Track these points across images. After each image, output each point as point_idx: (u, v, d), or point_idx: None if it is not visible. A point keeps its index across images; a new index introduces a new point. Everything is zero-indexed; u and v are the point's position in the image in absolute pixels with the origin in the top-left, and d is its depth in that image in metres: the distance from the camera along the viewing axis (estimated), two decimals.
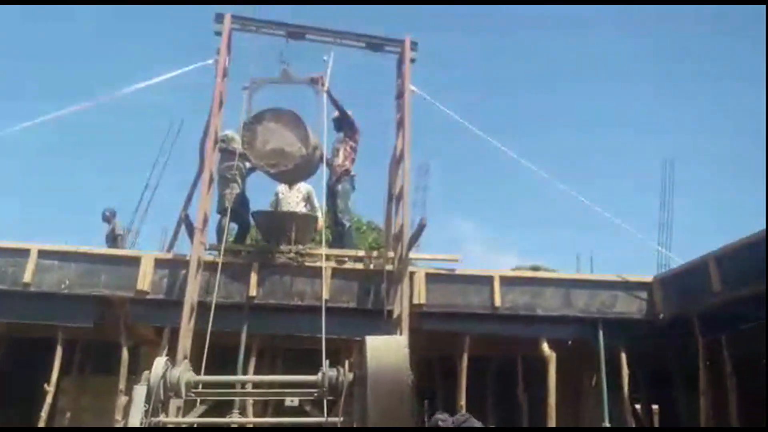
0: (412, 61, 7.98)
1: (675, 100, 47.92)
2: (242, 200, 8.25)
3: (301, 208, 8.63)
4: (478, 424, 1.71)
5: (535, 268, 22.43)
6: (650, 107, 48.40)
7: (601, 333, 7.64)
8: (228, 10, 7.74)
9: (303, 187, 8.77)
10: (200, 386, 4.38)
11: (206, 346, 6.08)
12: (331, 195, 8.27)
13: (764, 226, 6.24)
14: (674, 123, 45.70)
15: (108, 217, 11.16)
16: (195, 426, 5.40)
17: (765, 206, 7.38)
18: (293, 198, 8.66)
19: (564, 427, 7.33)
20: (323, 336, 5.86)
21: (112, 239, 10.90)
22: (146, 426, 3.49)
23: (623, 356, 7.70)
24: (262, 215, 8.34)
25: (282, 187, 8.73)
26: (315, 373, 3.89)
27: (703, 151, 45.36)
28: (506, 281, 7.67)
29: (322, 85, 7.87)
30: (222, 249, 7.04)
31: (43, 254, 7.07)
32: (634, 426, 8.27)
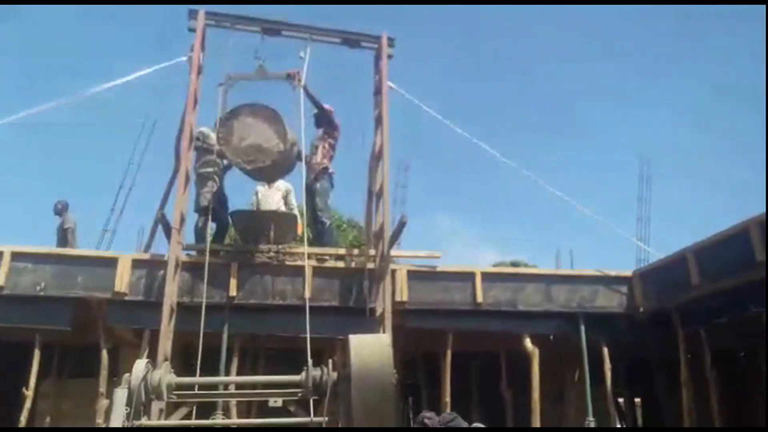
0: (390, 57, 7.94)
1: (653, 93, 48.56)
2: (220, 198, 8.15)
3: (281, 207, 8.57)
4: (464, 424, 1.70)
5: (515, 264, 22.60)
6: (628, 101, 49.00)
7: (582, 327, 7.69)
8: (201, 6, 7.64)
9: (282, 185, 8.69)
10: (182, 388, 4.32)
11: (199, 346, 6.02)
12: (310, 193, 8.19)
13: (740, 220, 6.33)
14: (652, 116, 46.33)
15: (60, 210, 10.61)
16: (178, 428, 5.33)
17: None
18: (273, 197, 8.59)
19: (550, 427, 7.37)
20: (308, 336, 5.80)
21: (61, 233, 10.37)
22: (128, 428, 3.42)
23: (605, 350, 7.75)
24: (241, 215, 8.22)
25: (262, 187, 8.64)
26: (298, 372, 3.85)
27: (679, 146, 46.04)
28: (488, 277, 7.68)
29: (299, 80, 7.80)
30: (206, 249, 6.96)
31: (16, 256, 6.90)
32: (617, 419, 8.35)
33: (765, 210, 5.98)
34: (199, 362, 5.96)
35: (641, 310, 7.74)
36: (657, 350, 8.42)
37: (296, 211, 8.62)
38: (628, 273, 8.05)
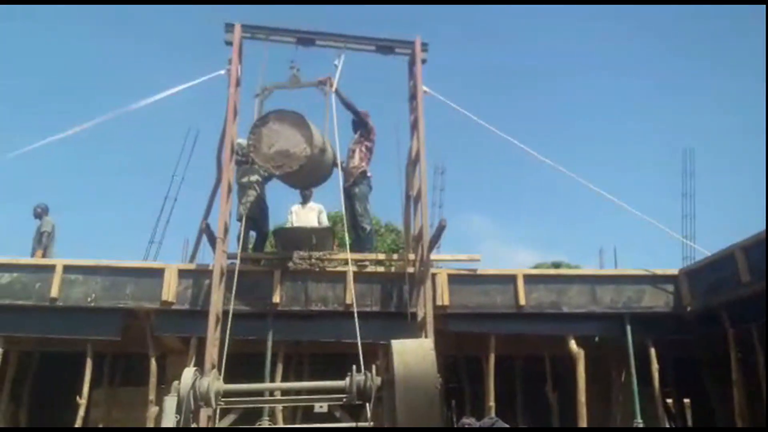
0: (424, 61, 7.95)
1: (692, 92, 47.39)
2: (261, 207, 8.27)
3: (320, 221, 8.66)
4: (505, 427, 1.68)
5: (557, 265, 22.35)
6: (667, 99, 47.92)
7: (628, 328, 7.55)
8: (235, 13, 7.77)
9: (315, 205, 8.84)
10: (230, 395, 4.39)
11: (224, 352, 6.10)
12: (349, 198, 8.19)
13: None
14: (692, 114, 45.22)
15: (39, 213, 10.24)
16: None
17: None
18: (308, 215, 8.67)
19: (585, 427, 7.23)
20: (358, 341, 5.83)
21: (38, 236, 9.94)
22: None
23: (652, 351, 7.59)
24: (281, 232, 8.30)
25: (296, 206, 8.73)
26: (341, 377, 3.88)
27: (722, 141, 44.79)
28: (530, 279, 7.61)
29: (330, 86, 7.88)
30: (238, 256, 7.06)
31: (68, 269, 7.16)
32: (666, 421, 8.16)
33: None
34: (223, 366, 6.03)
35: (689, 309, 7.56)
36: (706, 350, 8.21)
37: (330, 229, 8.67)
38: (675, 272, 7.88)
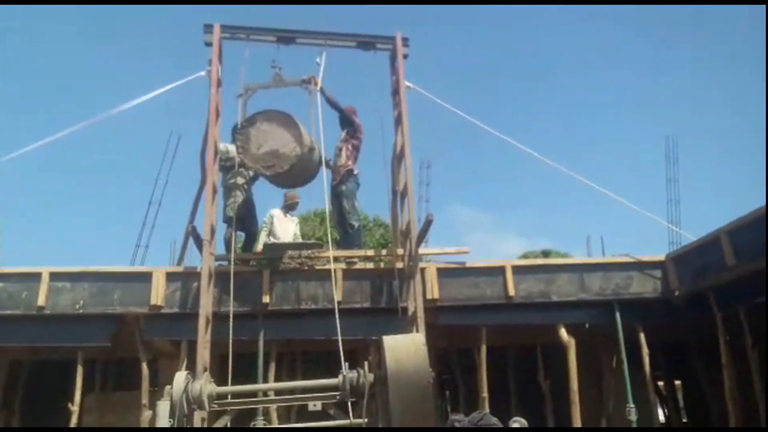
0: (405, 56, 7.92)
1: (671, 79, 47.73)
2: (248, 208, 8.25)
3: (297, 235, 8.60)
4: (494, 421, 1.70)
5: (546, 253, 22.47)
6: (650, 85, 48.22)
7: (618, 314, 7.61)
8: (216, 13, 7.71)
9: (294, 216, 8.82)
10: (223, 397, 4.38)
11: (229, 356, 6.09)
12: (336, 196, 8.22)
13: None
14: (673, 101, 45.56)
15: None
16: None
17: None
18: (288, 225, 8.59)
19: (580, 427, 7.30)
20: (339, 339, 5.83)
21: None
22: None
23: (642, 336, 7.67)
24: (271, 246, 8.19)
25: (277, 212, 8.67)
26: (334, 374, 3.89)
27: (704, 127, 45.20)
28: (519, 270, 7.65)
29: (315, 84, 7.86)
30: (232, 259, 7.05)
31: (54, 276, 7.09)
32: (658, 404, 8.26)
33: None
34: (230, 367, 6.05)
35: (676, 293, 7.64)
36: (695, 333, 8.31)
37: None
38: (661, 257, 7.94)
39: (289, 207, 8.69)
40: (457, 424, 1.70)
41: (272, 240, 8.19)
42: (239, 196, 8.04)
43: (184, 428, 3.53)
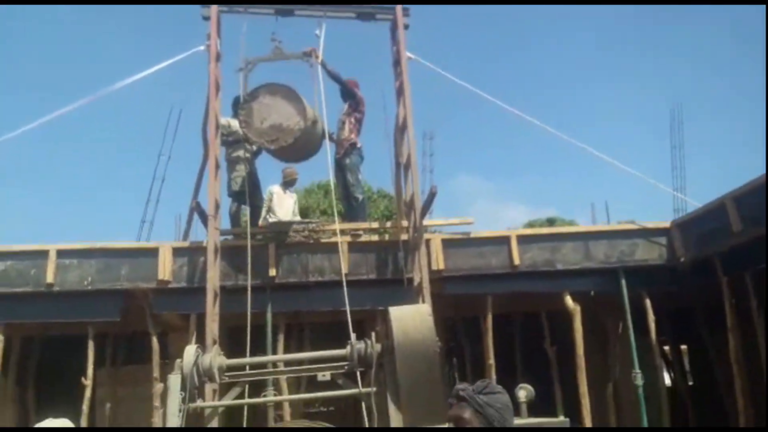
0: (406, 27, 7.82)
1: (678, 45, 47.08)
2: (252, 181, 8.24)
3: (296, 212, 8.56)
4: (499, 389, 1.71)
5: (551, 221, 22.45)
6: (654, 52, 47.63)
7: (623, 282, 7.64)
8: None
9: (292, 193, 8.76)
10: (233, 369, 4.44)
11: (248, 328, 6.17)
12: (340, 169, 8.20)
13: None
14: (679, 66, 45.03)
15: None
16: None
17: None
18: (288, 202, 8.57)
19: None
20: (347, 310, 5.89)
21: None
22: (185, 410, 3.55)
23: (647, 302, 7.70)
24: (276, 225, 8.23)
25: (277, 188, 8.64)
26: (342, 344, 3.94)
27: (710, 92, 44.71)
28: (524, 239, 7.66)
29: (316, 57, 7.78)
30: (241, 233, 7.08)
31: (61, 254, 7.14)
32: (664, 369, 8.33)
33: None
34: (248, 339, 6.13)
35: (682, 260, 7.64)
36: (700, 299, 8.33)
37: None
38: (666, 224, 7.93)
39: (287, 183, 8.68)
40: (461, 393, 1.71)
41: (272, 217, 8.19)
42: (243, 170, 8.03)
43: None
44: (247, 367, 4.98)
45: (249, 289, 6.62)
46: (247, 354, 5.93)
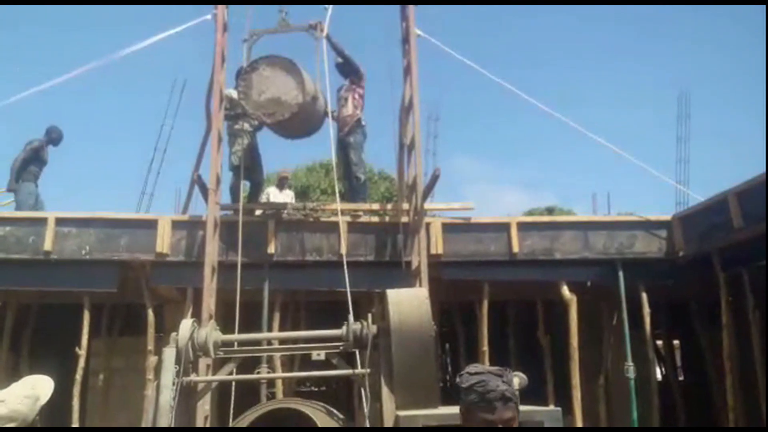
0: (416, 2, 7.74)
1: (687, 34, 46.66)
2: (253, 156, 8.18)
3: None
4: (492, 383, 1.68)
5: (551, 210, 22.44)
6: (663, 40, 47.24)
7: (621, 274, 7.63)
8: None
9: (289, 192, 8.92)
10: (228, 345, 4.44)
11: (236, 304, 6.17)
12: (343, 147, 8.11)
13: None
14: (688, 56, 44.66)
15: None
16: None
17: None
18: (282, 199, 8.57)
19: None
20: (347, 291, 5.89)
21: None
22: (178, 384, 3.55)
23: (644, 295, 7.70)
24: (272, 204, 8.20)
25: (272, 189, 8.60)
26: (338, 325, 3.93)
27: (718, 84, 44.42)
28: (523, 227, 7.64)
29: (321, 30, 7.68)
30: (240, 208, 7.06)
31: (60, 222, 7.12)
32: (656, 362, 8.36)
33: None
34: (238, 318, 6.13)
35: (681, 254, 7.63)
36: (697, 293, 8.34)
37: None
38: (668, 217, 7.91)
39: (281, 183, 8.68)
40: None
41: None
42: (244, 144, 7.95)
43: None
44: (239, 344, 4.99)
45: (239, 263, 6.61)
46: (236, 330, 5.94)
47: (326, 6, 7.84)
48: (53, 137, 9.33)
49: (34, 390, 2.75)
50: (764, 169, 6.36)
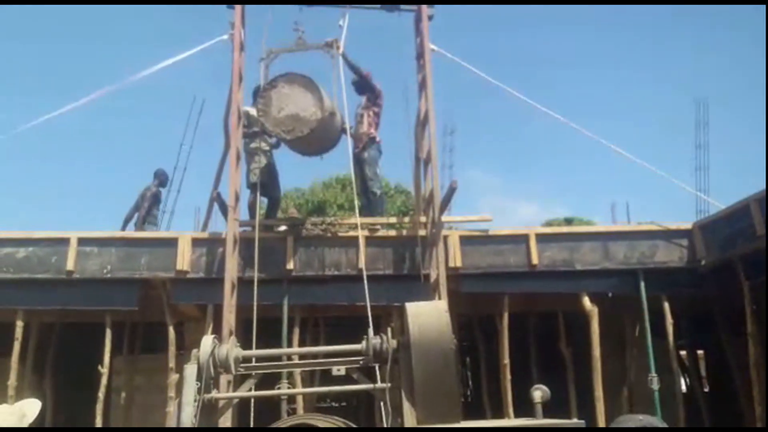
0: (430, 18, 7.75)
1: (705, 41, 46.34)
2: (271, 173, 8.25)
3: None
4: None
5: (569, 221, 22.23)
6: (680, 48, 46.97)
7: (642, 283, 7.54)
8: None
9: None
10: (248, 361, 4.45)
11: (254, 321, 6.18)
12: (358, 163, 8.16)
13: None
14: (705, 64, 44.31)
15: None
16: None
17: None
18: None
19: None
20: (368, 305, 5.88)
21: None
22: (200, 401, 3.56)
23: (666, 305, 7.60)
24: (291, 219, 8.23)
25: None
26: (357, 339, 3.93)
27: (737, 91, 43.99)
28: (542, 238, 7.60)
29: (337, 48, 7.76)
30: (256, 224, 7.10)
31: (82, 241, 7.22)
32: (680, 374, 8.22)
33: None
34: (255, 334, 6.14)
35: (703, 263, 7.53)
36: (720, 302, 8.20)
37: None
38: (688, 225, 7.82)
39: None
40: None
41: None
42: (262, 161, 8.02)
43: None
44: (256, 360, 5.00)
45: (255, 279, 6.62)
46: (253, 346, 5.95)
47: (341, 23, 7.92)
48: (162, 180, 10.33)
49: (21, 409, 2.86)
50: None
